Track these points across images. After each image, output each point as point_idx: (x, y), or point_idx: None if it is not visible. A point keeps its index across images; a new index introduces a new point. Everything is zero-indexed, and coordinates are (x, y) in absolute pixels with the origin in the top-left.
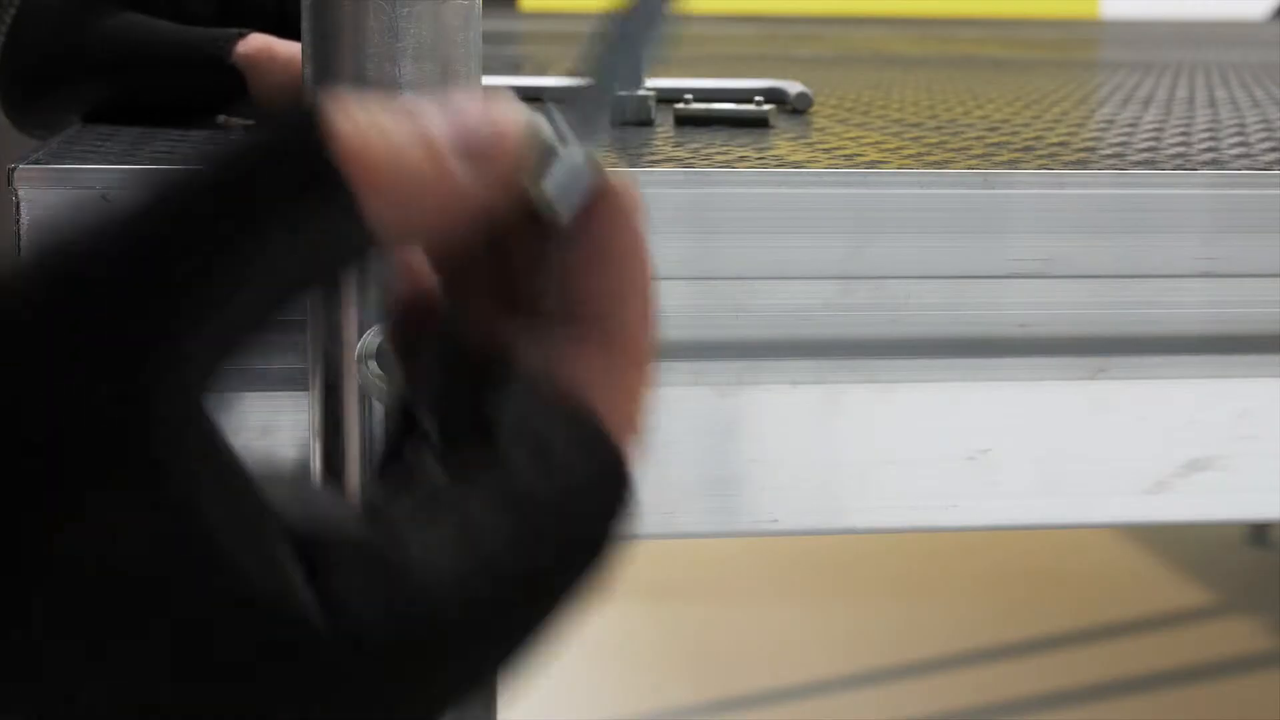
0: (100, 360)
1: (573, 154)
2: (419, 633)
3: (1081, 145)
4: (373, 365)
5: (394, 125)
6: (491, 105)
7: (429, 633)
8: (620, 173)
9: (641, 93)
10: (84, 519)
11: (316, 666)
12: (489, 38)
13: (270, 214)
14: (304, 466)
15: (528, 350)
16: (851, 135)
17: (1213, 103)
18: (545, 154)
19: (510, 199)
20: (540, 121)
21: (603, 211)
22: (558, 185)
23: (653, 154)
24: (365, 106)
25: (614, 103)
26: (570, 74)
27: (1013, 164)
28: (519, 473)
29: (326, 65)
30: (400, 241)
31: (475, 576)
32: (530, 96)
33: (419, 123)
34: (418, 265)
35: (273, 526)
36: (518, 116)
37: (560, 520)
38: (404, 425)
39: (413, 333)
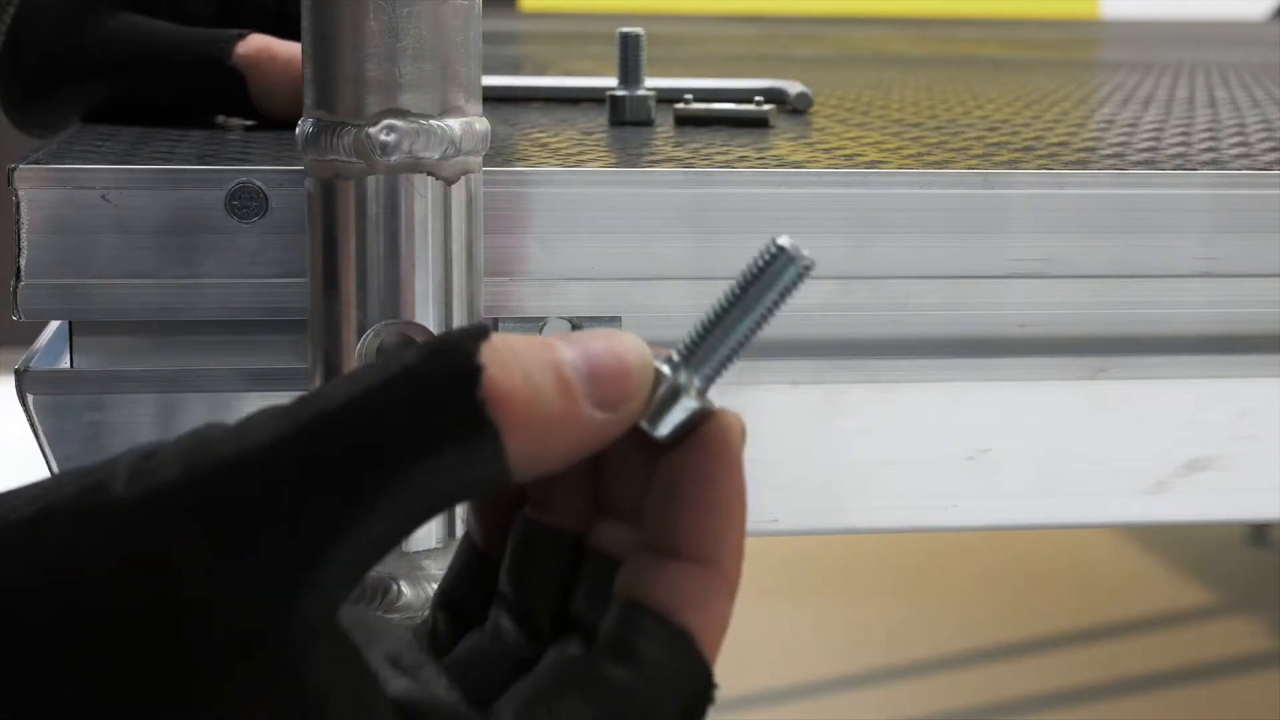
0: (248, 576)
1: (689, 391)
2: None
3: (1081, 145)
4: None
5: (535, 366)
6: (619, 345)
7: None
8: (728, 410)
9: (641, 93)
10: (221, 699)
11: None
12: (489, 38)
13: (415, 458)
14: (412, 637)
15: (628, 564)
16: (851, 135)
17: (1213, 103)
18: (667, 397)
19: (626, 429)
20: (662, 364)
21: (708, 441)
22: (673, 424)
23: (653, 154)
24: (507, 344)
25: (730, 350)
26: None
27: (1013, 164)
28: (622, 692)
29: (326, 65)
30: (528, 475)
31: None
32: (530, 97)
33: (555, 362)
34: None
35: (384, 709)
36: (644, 358)
37: None
38: (473, 569)
39: (496, 503)
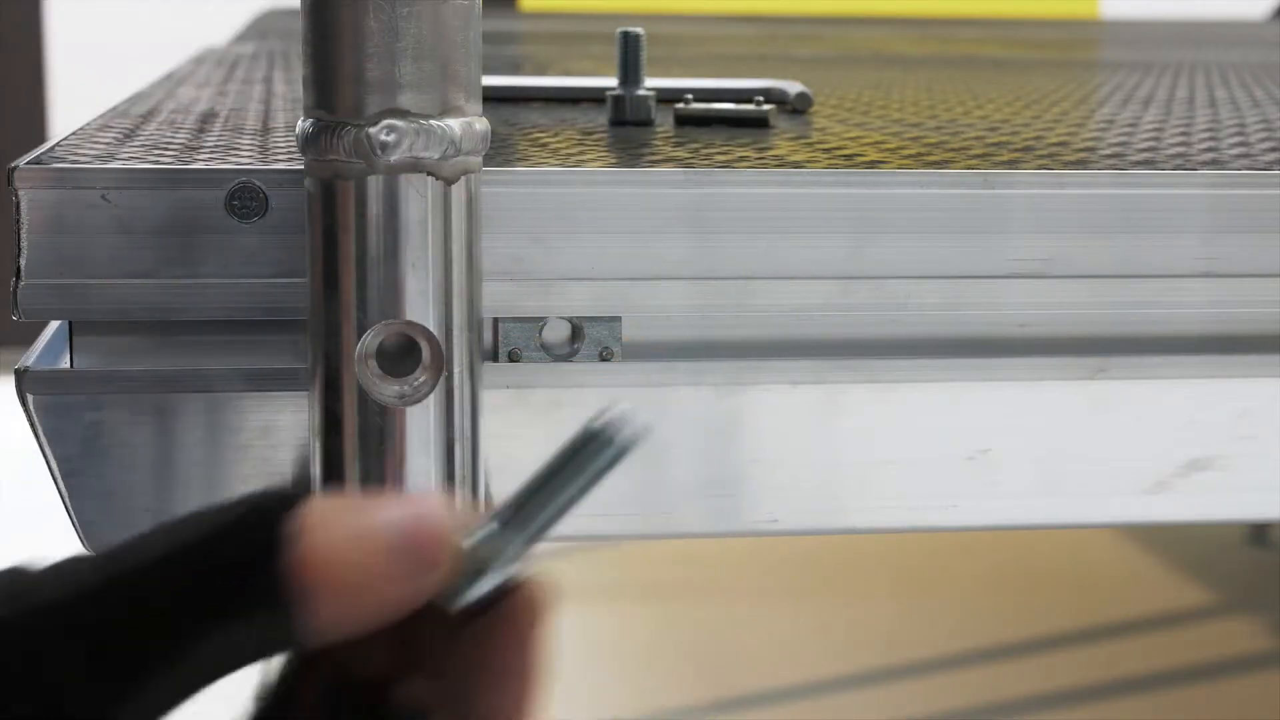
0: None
1: (498, 561)
2: None
3: (1081, 145)
4: (373, 365)
5: (343, 534)
6: (429, 513)
7: None
8: (539, 580)
9: (641, 93)
10: None
11: None
12: (489, 38)
13: (213, 624)
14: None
15: None
16: (851, 135)
17: (1213, 103)
18: (473, 568)
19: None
20: (479, 530)
21: (511, 614)
22: (476, 596)
23: (653, 154)
24: (321, 510)
25: (535, 530)
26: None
27: (1013, 164)
28: None
29: (326, 65)
30: (331, 639)
31: None
32: (530, 97)
33: (364, 529)
34: None
35: None
36: (453, 527)
37: None
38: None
39: (302, 655)
